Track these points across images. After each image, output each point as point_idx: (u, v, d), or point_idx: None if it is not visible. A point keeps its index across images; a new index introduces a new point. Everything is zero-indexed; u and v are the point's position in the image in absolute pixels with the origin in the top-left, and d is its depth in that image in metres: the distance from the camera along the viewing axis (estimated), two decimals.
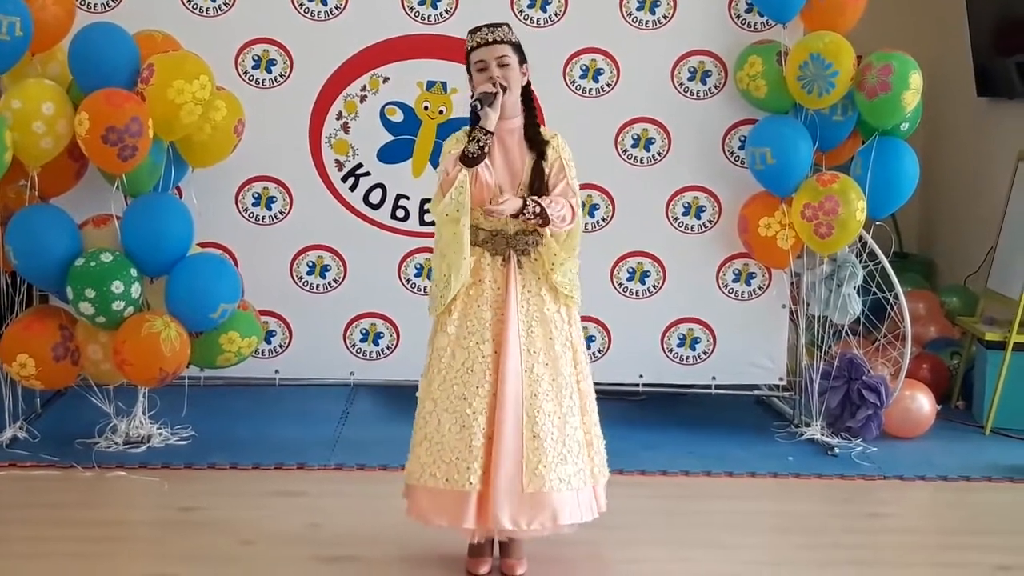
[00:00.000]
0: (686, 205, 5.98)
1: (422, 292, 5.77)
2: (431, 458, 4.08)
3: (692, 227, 6.00)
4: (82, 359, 5.42)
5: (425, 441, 4.11)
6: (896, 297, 5.94)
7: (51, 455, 5.34)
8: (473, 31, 4.11)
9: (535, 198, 4.08)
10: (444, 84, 5.79)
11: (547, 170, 4.13)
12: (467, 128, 4.12)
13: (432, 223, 4.48)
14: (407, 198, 5.87)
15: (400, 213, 5.89)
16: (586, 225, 5.64)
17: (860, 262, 5.90)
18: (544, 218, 4.07)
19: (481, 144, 3.99)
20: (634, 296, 6.02)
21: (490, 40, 4.06)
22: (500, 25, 4.12)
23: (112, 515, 4.84)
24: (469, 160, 3.99)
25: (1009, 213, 6.49)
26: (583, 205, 5.69)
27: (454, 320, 4.11)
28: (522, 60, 4.15)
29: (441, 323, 4.15)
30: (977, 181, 7.57)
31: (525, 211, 4.05)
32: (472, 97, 4.06)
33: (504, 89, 4.04)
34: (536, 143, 4.15)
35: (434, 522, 4.12)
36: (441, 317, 4.14)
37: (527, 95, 4.19)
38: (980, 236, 7.13)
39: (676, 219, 5.98)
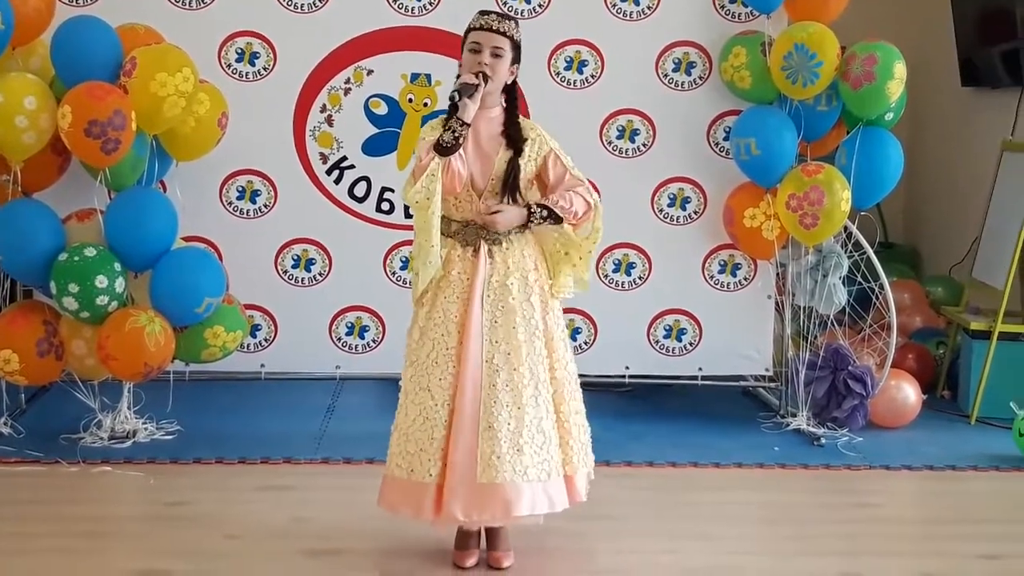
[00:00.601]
0: (671, 196, 5.98)
1: (407, 285, 5.76)
2: (398, 448, 4.12)
3: (677, 218, 6.00)
4: (66, 354, 5.40)
5: (396, 432, 4.15)
6: (881, 287, 5.95)
7: (36, 451, 5.32)
8: (483, 12, 4.11)
9: (539, 202, 4.11)
10: (428, 76, 5.78)
11: (524, 166, 4.11)
12: (444, 116, 4.11)
13: None
14: (392, 191, 5.86)
15: (385, 206, 5.88)
16: None
17: (845, 252, 5.91)
18: (555, 217, 4.10)
19: (456, 134, 3.98)
20: (620, 288, 6.02)
21: (494, 28, 4.05)
22: (511, 18, 4.11)
23: (98, 511, 4.82)
24: (443, 149, 3.98)
25: (993, 203, 6.50)
26: None
27: (424, 311, 4.13)
28: (516, 59, 4.13)
29: (415, 314, 4.17)
30: (962, 171, 7.59)
31: (532, 220, 4.10)
32: (455, 85, 4.04)
33: (486, 80, 4.02)
34: (514, 140, 4.12)
35: (399, 512, 4.15)
36: (416, 308, 4.16)
37: (511, 92, 4.17)
38: (965, 226, 7.15)
39: (661, 210, 5.98)
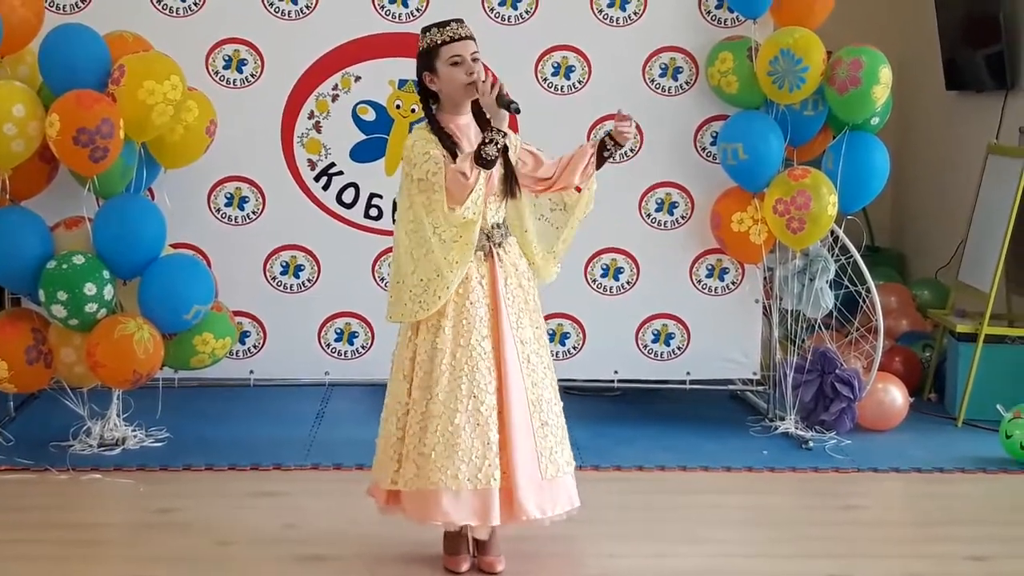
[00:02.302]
0: (659, 201, 6.00)
1: None
2: (450, 460, 4.03)
3: (665, 223, 6.02)
4: (55, 362, 5.40)
5: (440, 445, 4.04)
6: (868, 291, 5.97)
7: (25, 459, 5.31)
8: (440, 25, 4.06)
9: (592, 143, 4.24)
10: (416, 82, 5.76)
11: (513, 160, 4.16)
12: (427, 124, 4.11)
13: None
14: (380, 197, 5.87)
15: (373, 212, 5.89)
16: None
17: (832, 256, 5.93)
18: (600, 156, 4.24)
19: (499, 145, 3.96)
20: (608, 292, 6.04)
21: (462, 36, 4.05)
22: (462, 20, 4.11)
23: (88, 518, 4.82)
24: (486, 162, 3.95)
25: (979, 206, 6.53)
26: None
27: (449, 321, 4.08)
28: None
29: (431, 324, 4.09)
30: (947, 175, 7.62)
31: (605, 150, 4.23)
32: (503, 102, 3.94)
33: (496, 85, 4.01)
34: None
35: (459, 523, 4.10)
36: (429, 320, 4.10)
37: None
38: (950, 229, 7.17)
39: (649, 215, 6.00)
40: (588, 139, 5.88)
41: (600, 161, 4.25)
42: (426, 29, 4.10)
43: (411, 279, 4.06)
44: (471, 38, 4.08)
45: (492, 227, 4.15)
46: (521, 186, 4.23)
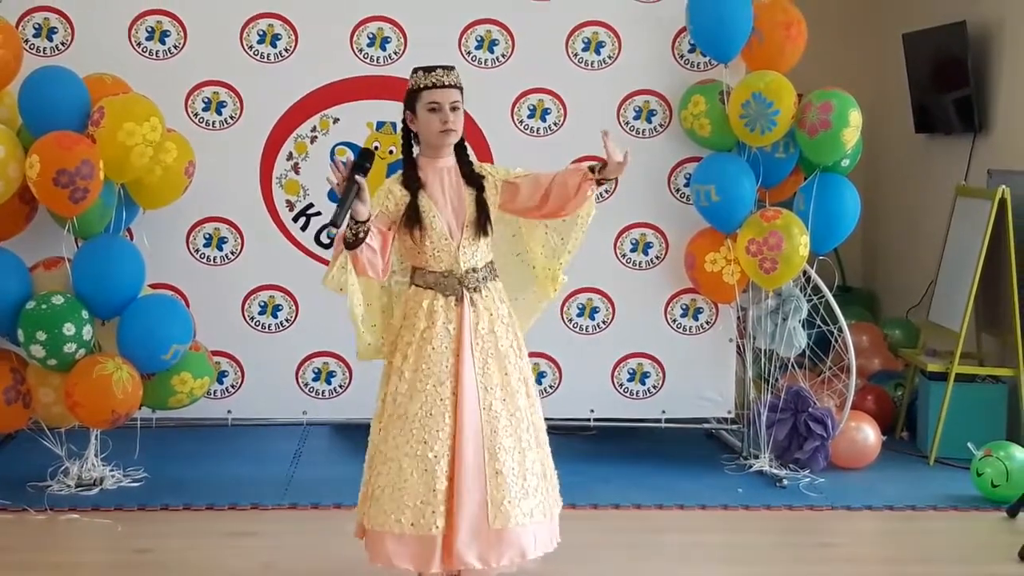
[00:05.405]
0: (634, 242, 6.06)
1: None
2: (395, 504, 4.03)
3: (640, 263, 6.08)
4: (34, 402, 5.40)
5: (388, 487, 4.05)
6: (840, 330, 6.03)
7: (3, 499, 5.30)
8: (427, 70, 4.10)
9: (588, 165, 4.21)
10: (394, 124, 5.83)
11: (489, 201, 4.17)
12: (398, 175, 4.14)
13: None
14: None
15: None
16: None
17: (804, 296, 6.00)
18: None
19: (356, 232, 3.91)
20: (584, 332, 6.08)
21: (446, 83, 4.08)
22: (452, 68, 4.13)
23: (66, 558, 4.82)
24: (347, 244, 3.93)
25: (948, 247, 6.61)
26: None
27: (409, 364, 4.10)
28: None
29: (394, 367, 4.13)
30: (917, 216, 7.72)
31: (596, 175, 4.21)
32: (353, 174, 3.87)
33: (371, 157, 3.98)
34: (473, 178, 4.18)
35: (400, 567, 4.09)
36: (394, 361, 4.14)
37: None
38: (921, 269, 7.26)
39: (624, 255, 6.06)
40: None
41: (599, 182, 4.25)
42: (416, 69, 4.14)
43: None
44: (455, 86, 4.10)
45: (465, 272, 4.14)
46: (515, 215, 4.28)
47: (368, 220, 3.92)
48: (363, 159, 3.91)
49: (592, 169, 4.19)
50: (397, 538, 4.05)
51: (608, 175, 4.20)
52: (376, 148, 5.86)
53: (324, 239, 5.87)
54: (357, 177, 3.86)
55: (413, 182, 4.12)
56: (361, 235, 3.91)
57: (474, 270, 4.16)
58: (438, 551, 4.04)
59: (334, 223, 3.84)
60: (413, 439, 4.05)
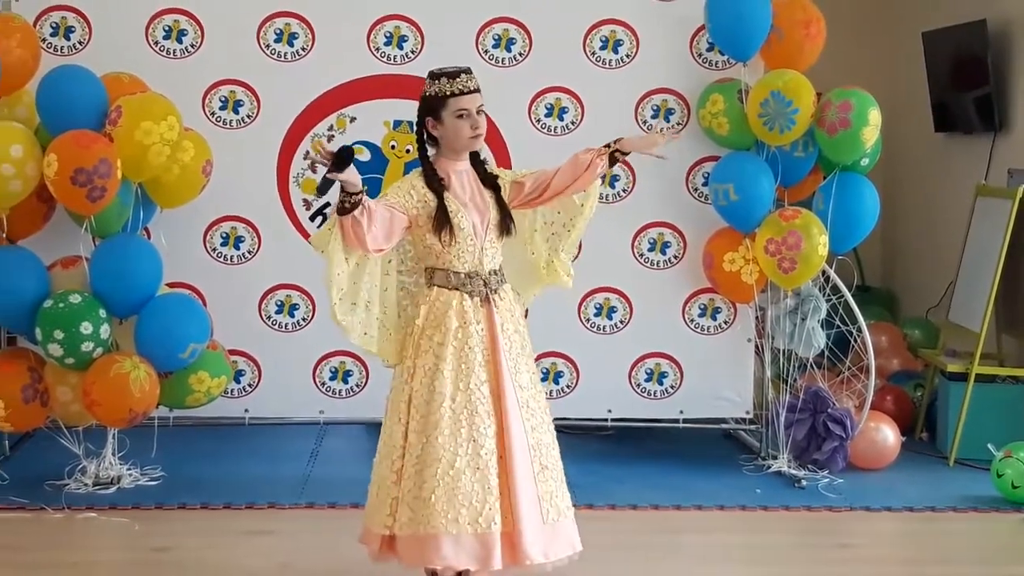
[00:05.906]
0: (651, 241, 6.05)
1: None
2: (450, 504, 4.00)
3: (658, 263, 6.06)
4: (51, 400, 5.41)
5: (440, 488, 4.01)
6: (859, 330, 6.00)
7: (20, 498, 5.31)
8: (450, 76, 4.06)
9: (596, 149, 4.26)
10: (411, 123, 5.80)
11: (507, 199, 4.20)
12: (419, 170, 4.14)
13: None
14: None
15: None
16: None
17: (823, 296, 5.97)
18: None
19: (343, 203, 3.95)
20: (602, 331, 6.07)
21: (471, 89, 4.07)
22: (471, 71, 4.12)
23: (83, 557, 4.83)
24: (340, 209, 3.96)
25: (968, 246, 6.58)
26: None
27: (448, 364, 4.08)
28: None
29: (429, 368, 4.10)
30: (936, 215, 7.68)
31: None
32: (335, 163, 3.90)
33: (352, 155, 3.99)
34: (488, 179, 4.20)
35: (458, 567, 4.05)
36: (420, 361, 4.11)
37: None
38: (940, 269, 7.22)
39: (642, 255, 6.04)
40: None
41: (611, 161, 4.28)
42: (435, 76, 4.10)
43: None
44: (478, 91, 4.10)
45: (488, 273, 4.17)
46: (520, 208, 4.28)
47: (360, 193, 3.92)
48: (346, 154, 3.90)
49: (607, 145, 4.26)
50: (455, 539, 4.02)
51: (624, 148, 4.26)
52: (392, 147, 5.86)
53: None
54: (331, 175, 3.88)
55: (437, 183, 4.12)
56: (347, 205, 3.92)
57: (494, 272, 4.19)
58: (498, 548, 4.04)
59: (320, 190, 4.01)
60: (463, 438, 4.04)
